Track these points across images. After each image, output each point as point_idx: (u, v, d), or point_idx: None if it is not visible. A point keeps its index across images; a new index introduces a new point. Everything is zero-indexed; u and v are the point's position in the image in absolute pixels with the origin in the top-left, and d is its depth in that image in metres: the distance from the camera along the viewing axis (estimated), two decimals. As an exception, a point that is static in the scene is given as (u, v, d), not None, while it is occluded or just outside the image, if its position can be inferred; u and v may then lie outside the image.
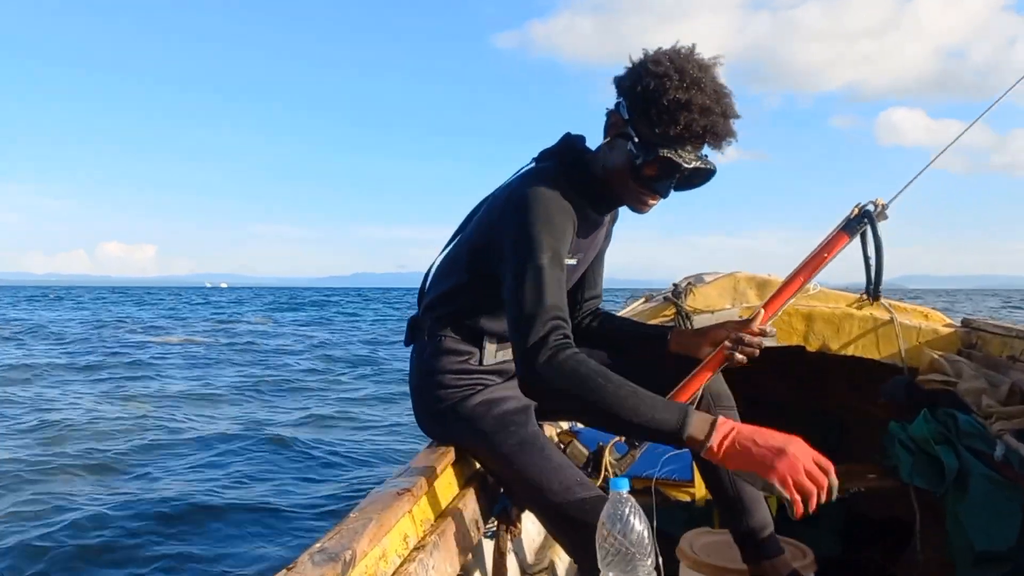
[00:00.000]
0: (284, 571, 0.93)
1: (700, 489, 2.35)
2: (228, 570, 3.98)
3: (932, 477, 2.42)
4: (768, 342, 2.83)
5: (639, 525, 1.40)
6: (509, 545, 1.68)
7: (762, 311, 1.62)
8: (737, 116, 1.50)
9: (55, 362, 13.55)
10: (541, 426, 1.67)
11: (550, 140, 1.71)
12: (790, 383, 3.48)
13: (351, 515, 1.17)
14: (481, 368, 1.68)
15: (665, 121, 1.45)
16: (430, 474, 1.43)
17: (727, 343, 1.59)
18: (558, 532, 1.55)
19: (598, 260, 1.89)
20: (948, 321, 2.91)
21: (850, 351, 2.79)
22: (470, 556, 1.56)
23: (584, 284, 1.90)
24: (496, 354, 1.71)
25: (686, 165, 1.47)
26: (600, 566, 1.41)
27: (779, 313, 1.63)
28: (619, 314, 3.36)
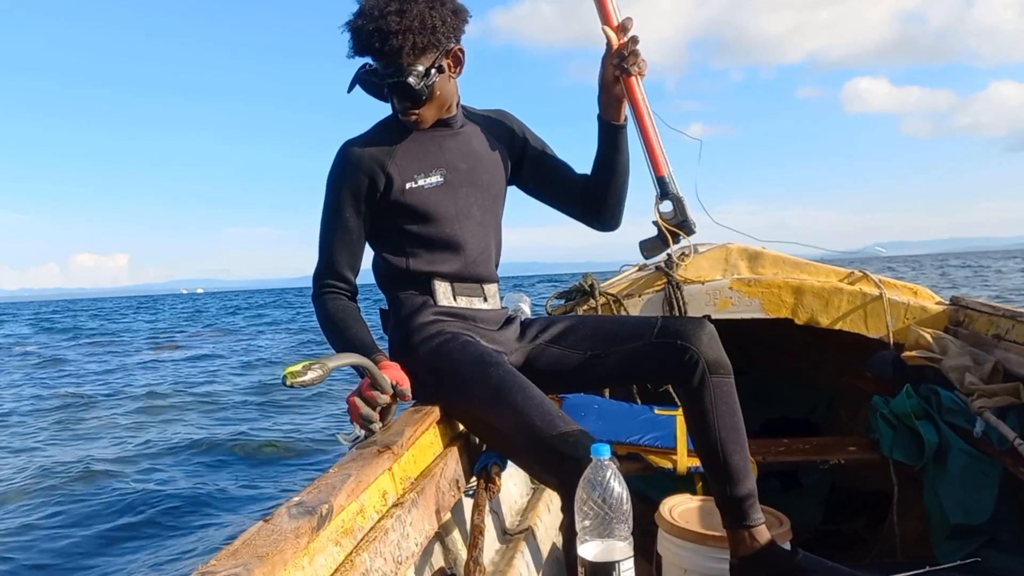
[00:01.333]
0: (261, 522, 0.94)
1: (682, 457, 2.37)
2: (203, 522, 3.99)
3: (912, 451, 2.45)
4: (755, 313, 2.84)
5: (619, 489, 1.42)
6: (488, 506, 1.70)
7: (610, 31, 1.72)
8: (401, 28, 1.59)
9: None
10: None
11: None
12: (777, 355, 3.50)
13: (330, 470, 1.18)
14: (440, 309, 1.75)
15: (351, 50, 1.67)
16: (411, 433, 1.44)
17: (615, 71, 1.71)
18: (543, 468, 1.55)
19: (540, 160, 1.93)
20: (937, 299, 2.93)
21: (839, 325, 2.80)
22: (449, 515, 1.58)
23: (561, 179, 1.94)
24: (455, 298, 1.78)
25: (370, 78, 1.67)
26: (577, 529, 1.43)
27: (631, 24, 1.71)
28: (612, 280, 3.37)
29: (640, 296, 2.98)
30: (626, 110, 1.78)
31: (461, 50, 1.73)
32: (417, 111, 1.70)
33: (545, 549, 2.04)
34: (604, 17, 1.74)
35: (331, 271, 1.73)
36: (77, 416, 8.68)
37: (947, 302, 2.88)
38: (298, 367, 1.26)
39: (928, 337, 2.61)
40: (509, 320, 1.86)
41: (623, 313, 2.95)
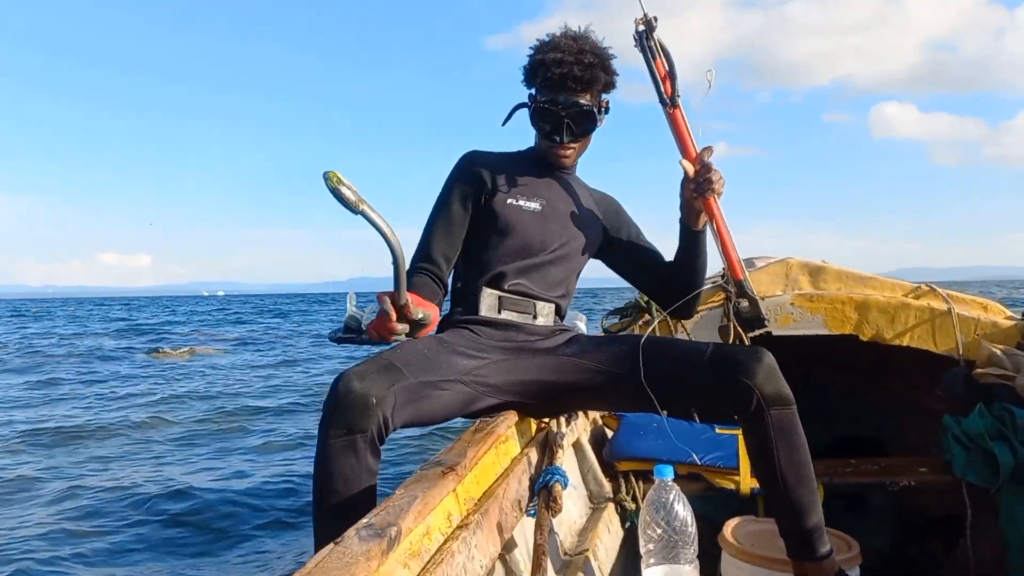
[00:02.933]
0: (331, 545, 0.95)
1: (745, 477, 2.33)
2: (267, 552, 4.02)
3: (986, 472, 2.36)
4: (818, 330, 2.78)
5: (683, 512, 1.40)
6: (550, 525, 1.69)
7: (686, 163, 1.82)
8: (596, 63, 1.80)
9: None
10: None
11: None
12: (842, 372, 3.42)
13: (396, 492, 1.18)
14: (477, 319, 1.85)
15: (531, 78, 1.85)
16: (474, 454, 1.45)
17: (694, 195, 1.80)
18: None
19: (632, 249, 2.04)
20: (1008, 313, 2.83)
21: (905, 341, 2.73)
22: (511, 535, 1.57)
23: (646, 266, 2.03)
24: (499, 310, 1.84)
25: (553, 108, 1.81)
26: (642, 552, 1.42)
27: (708, 154, 1.80)
28: None
29: (698, 313, 2.95)
30: (704, 219, 1.89)
31: (608, 102, 1.89)
32: (575, 145, 1.88)
33: (605, 570, 2.02)
34: (684, 151, 1.87)
35: (424, 255, 1.85)
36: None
37: (1019, 317, 2.78)
38: (346, 180, 1.25)
39: (1000, 354, 2.52)
40: (558, 333, 1.88)
41: (680, 331, 2.92)
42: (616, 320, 3.15)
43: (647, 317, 2.98)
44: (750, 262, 3.23)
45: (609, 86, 1.87)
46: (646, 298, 3.04)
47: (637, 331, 2.95)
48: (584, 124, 1.85)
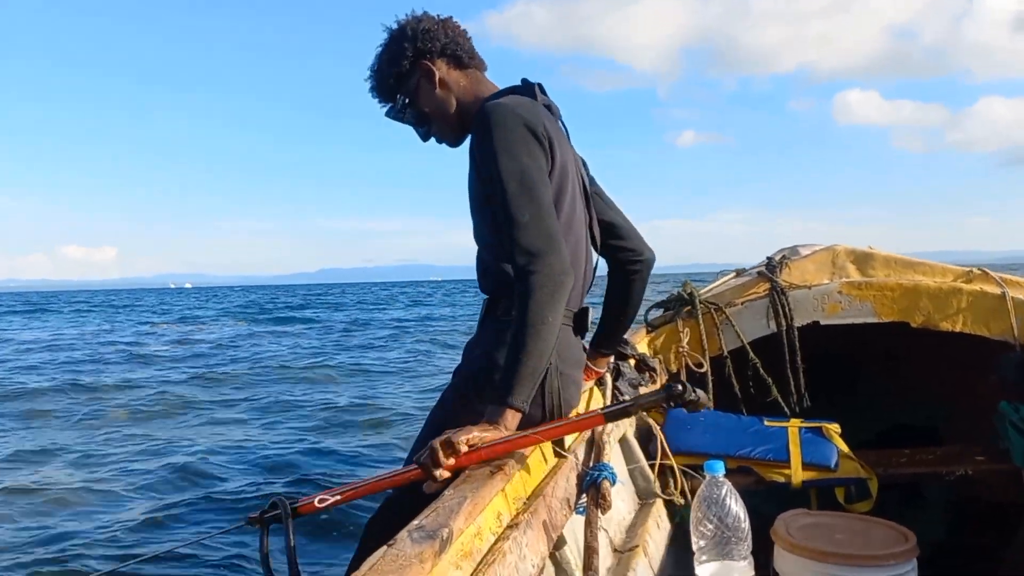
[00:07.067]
0: (384, 547, 0.96)
1: (796, 470, 2.30)
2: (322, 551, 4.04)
3: None
4: (867, 318, 2.73)
5: (735, 508, 1.38)
6: (600, 522, 1.68)
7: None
8: (370, 76, 1.78)
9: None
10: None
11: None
12: (893, 360, 3.35)
13: (446, 493, 1.19)
14: None
15: None
16: (521, 453, 1.44)
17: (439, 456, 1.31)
18: None
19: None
20: None
21: (958, 327, 2.66)
22: (561, 533, 1.57)
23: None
24: None
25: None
26: (694, 549, 1.40)
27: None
28: (711, 287, 3.30)
29: (743, 304, 2.91)
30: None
31: (425, 66, 1.72)
32: (423, 132, 1.81)
33: (656, 566, 2.01)
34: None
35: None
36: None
37: None
38: None
39: (1059, 338, 2.45)
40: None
41: (724, 321, 2.88)
42: (659, 312, 3.12)
43: (689, 308, 2.95)
44: (794, 250, 3.18)
45: (383, 83, 1.77)
46: (689, 290, 3.01)
47: (680, 324, 2.91)
48: (404, 123, 1.81)
